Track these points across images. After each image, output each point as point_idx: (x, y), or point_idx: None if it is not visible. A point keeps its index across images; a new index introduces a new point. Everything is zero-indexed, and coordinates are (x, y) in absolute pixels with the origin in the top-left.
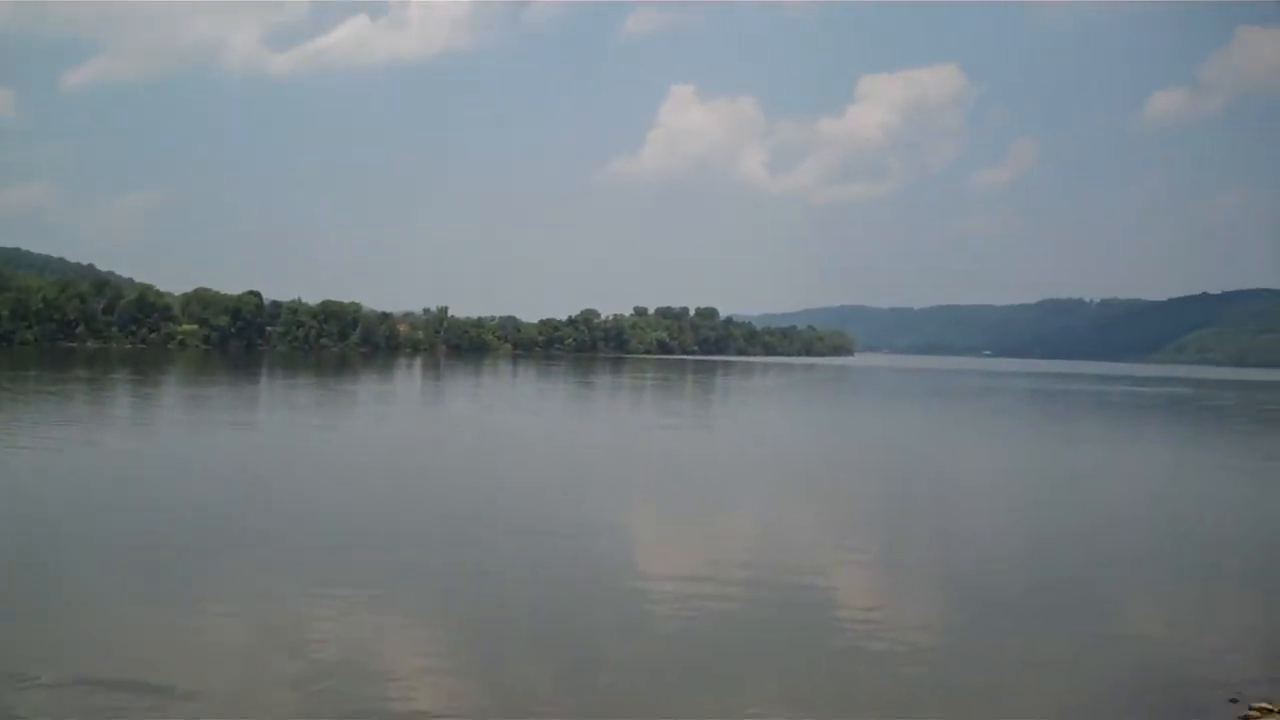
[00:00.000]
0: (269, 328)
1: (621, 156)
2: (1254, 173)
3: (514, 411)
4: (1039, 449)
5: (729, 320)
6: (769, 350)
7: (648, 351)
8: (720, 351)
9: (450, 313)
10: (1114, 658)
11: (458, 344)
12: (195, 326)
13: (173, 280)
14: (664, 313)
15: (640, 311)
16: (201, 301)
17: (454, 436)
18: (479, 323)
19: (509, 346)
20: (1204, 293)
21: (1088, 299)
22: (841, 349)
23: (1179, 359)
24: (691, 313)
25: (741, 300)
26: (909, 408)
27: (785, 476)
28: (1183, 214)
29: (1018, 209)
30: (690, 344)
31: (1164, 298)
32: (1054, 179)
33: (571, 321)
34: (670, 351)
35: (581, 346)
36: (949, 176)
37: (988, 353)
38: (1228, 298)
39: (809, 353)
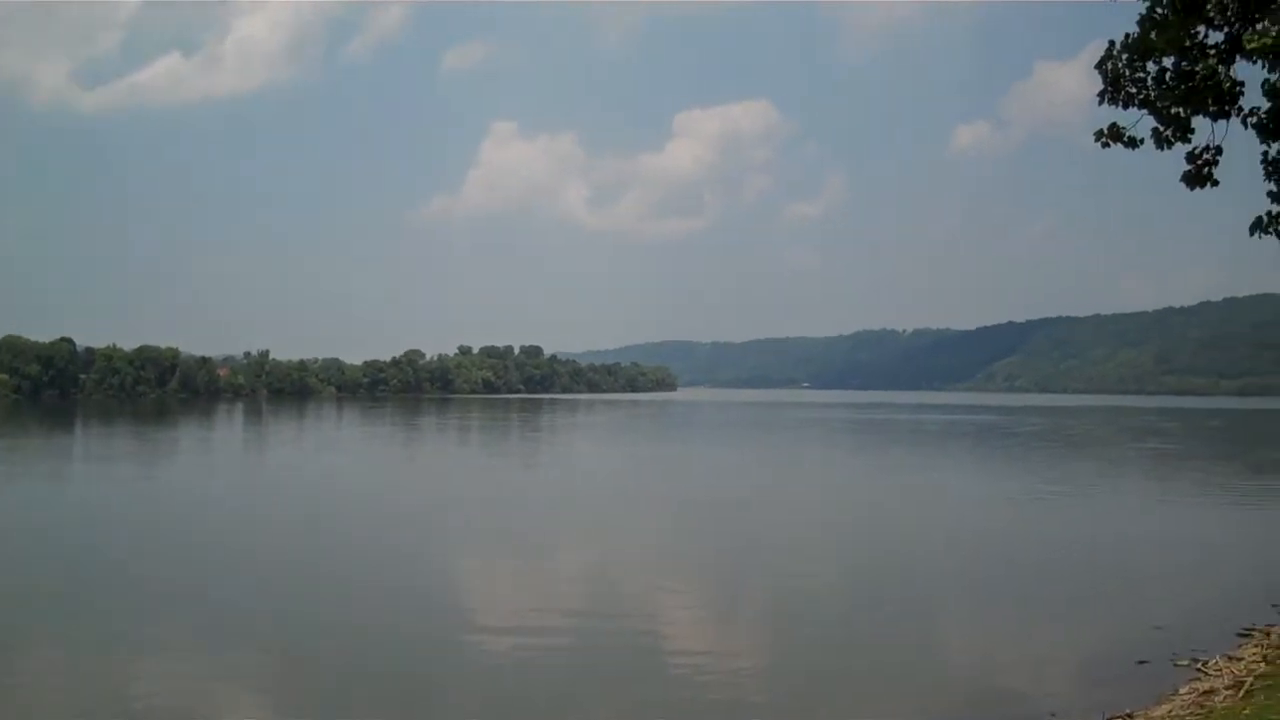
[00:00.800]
0: (83, 375)
1: (443, 194)
2: (1054, 204)
3: (335, 456)
4: (857, 478)
5: (554, 358)
6: (593, 388)
7: (473, 391)
8: (546, 390)
9: (272, 356)
10: (936, 683)
11: (280, 388)
12: (4, 376)
13: None
14: (489, 352)
15: (465, 351)
16: (11, 349)
17: (275, 486)
18: (301, 366)
19: (333, 389)
20: (1010, 322)
21: (900, 329)
22: (665, 384)
23: (988, 387)
24: (516, 351)
25: (566, 338)
26: (731, 440)
27: (612, 512)
28: (988, 245)
29: (829, 241)
30: (516, 383)
31: (973, 327)
32: (864, 211)
33: (395, 363)
34: (496, 391)
35: (406, 388)
36: (763, 210)
37: (806, 384)
38: (1032, 327)
39: (633, 389)
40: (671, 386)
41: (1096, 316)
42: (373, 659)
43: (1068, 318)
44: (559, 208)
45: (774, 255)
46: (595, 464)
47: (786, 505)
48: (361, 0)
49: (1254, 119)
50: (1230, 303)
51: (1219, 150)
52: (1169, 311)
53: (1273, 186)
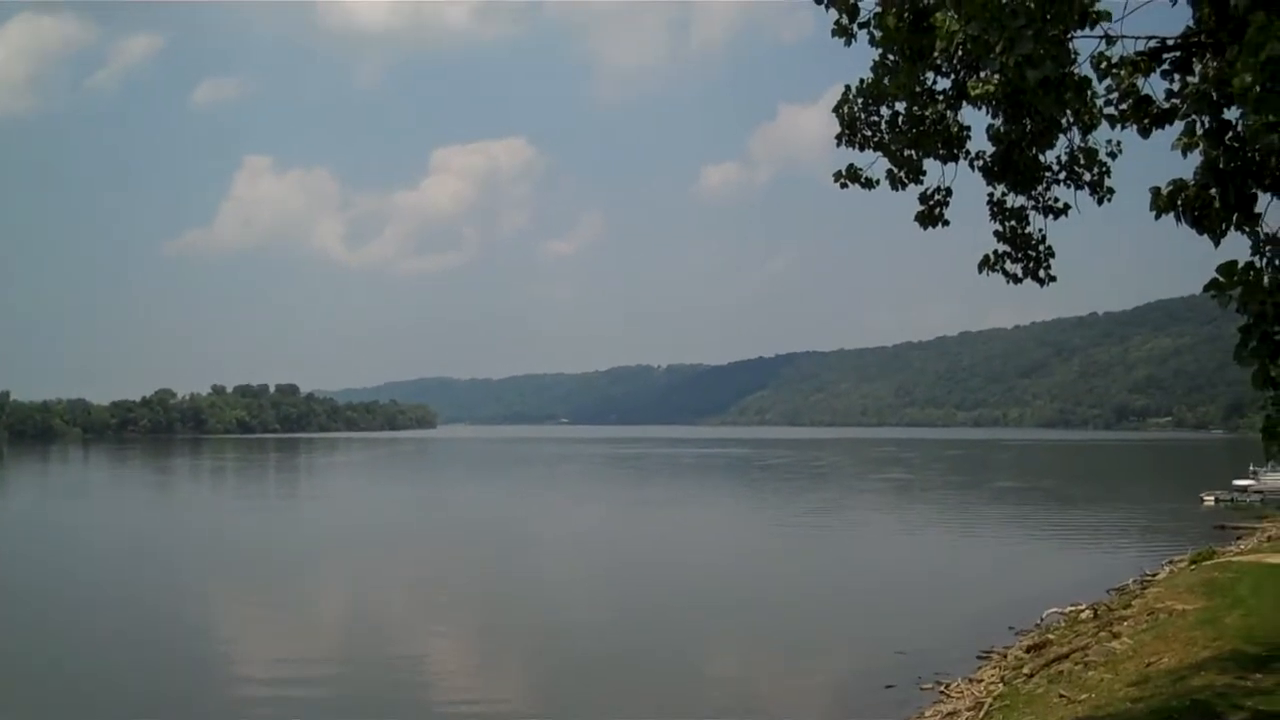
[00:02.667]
0: None
1: (193, 228)
2: (800, 240)
3: (79, 504)
4: (613, 513)
5: (310, 397)
6: (352, 426)
7: (227, 431)
8: (303, 429)
9: (12, 396)
10: (689, 712)
11: (21, 430)
12: None
13: None
14: (243, 391)
15: (218, 390)
16: None
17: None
18: (44, 407)
19: (79, 431)
20: (760, 357)
21: (655, 365)
22: (424, 422)
23: (741, 420)
24: (272, 390)
25: (323, 376)
26: (489, 477)
27: (372, 551)
28: (738, 281)
29: (585, 278)
30: (271, 422)
31: (725, 362)
32: (619, 248)
33: (145, 402)
34: (251, 431)
35: (157, 428)
36: (521, 246)
37: (564, 420)
38: (781, 361)
39: (392, 427)
40: (431, 424)
41: (841, 351)
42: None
43: (814, 352)
44: (315, 244)
45: (531, 291)
46: (348, 507)
47: (546, 542)
48: (107, 31)
49: (980, 162)
50: (964, 337)
51: (949, 191)
52: (909, 346)
53: (997, 226)
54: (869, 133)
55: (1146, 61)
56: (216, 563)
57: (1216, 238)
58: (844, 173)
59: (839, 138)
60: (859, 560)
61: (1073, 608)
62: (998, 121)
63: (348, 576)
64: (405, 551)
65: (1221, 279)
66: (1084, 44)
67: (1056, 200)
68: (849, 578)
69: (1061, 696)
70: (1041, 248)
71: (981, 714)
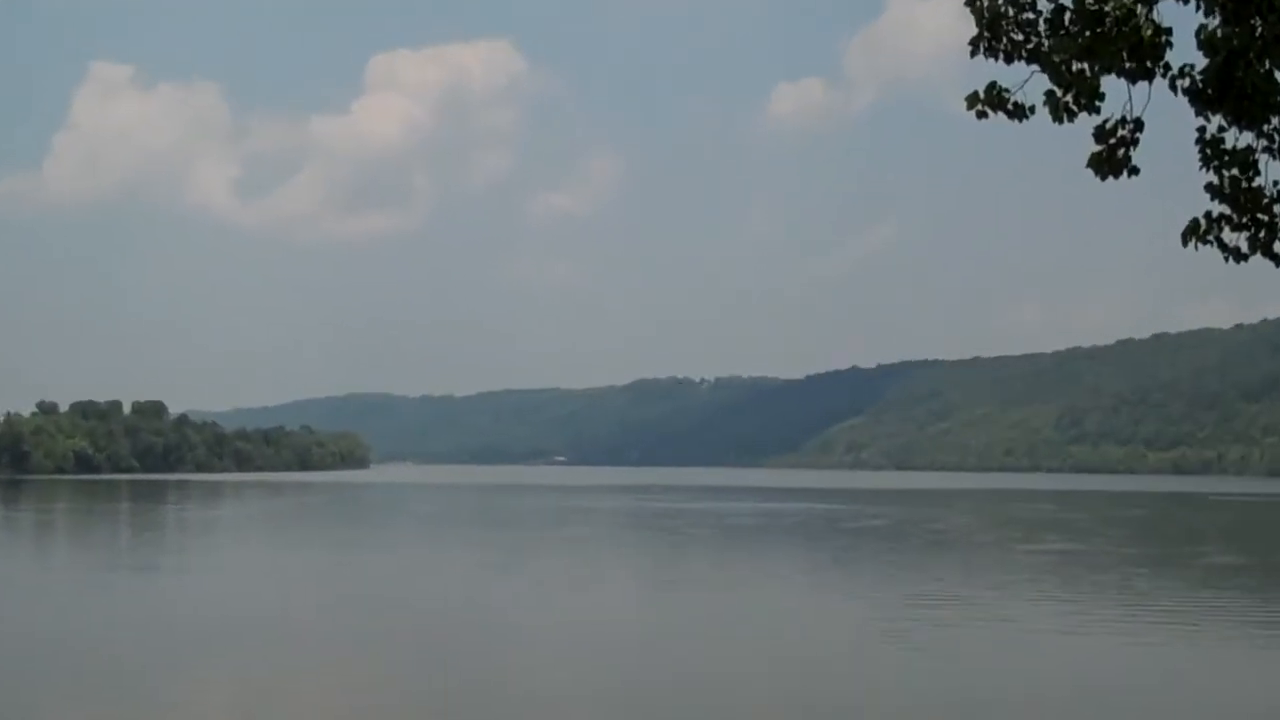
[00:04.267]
0: None
1: (11, 173)
2: (910, 197)
3: None
4: (636, 599)
5: (183, 421)
6: (245, 463)
7: (60, 470)
8: (171, 466)
9: None
10: None
11: None
12: None
13: None
14: (85, 411)
15: (48, 409)
16: None
17: None
18: None
19: None
20: (854, 368)
21: (698, 379)
22: (353, 459)
23: (823, 461)
24: (127, 410)
25: (203, 391)
26: (445, 544)
27: (248, 661)
28: (820, 257)
29: (597, 249)
30: (125, 457)
31: (800, 375)
32: (645, 207)
33: None
34: (95, 468)
35: None
36: (502, 201)
37: (561, 459)
38: (886, 376)
39: (305, 465)
40: (362, 461)
41: (975, 361)
42: None
43: (934, 363)
44: (193, 194)
45: (516, 270)
46: (220, 589)
47: (531, 646)
48: None
49: (1185, 81)
50: (1160, 342)
51: (1139, 124)
52: (1076, 355)
53: (1211, 177)
54: (1020, 36)
55: None
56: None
57: None
58: (982, 96)
59: (975, 43)
60: (1000, 675)
61: None
62: (1213, 21)
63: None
64: (303, 660)
65: None
66: None
67: None
68: (986, 703)
69: None
70: (1277, 208)
71: None
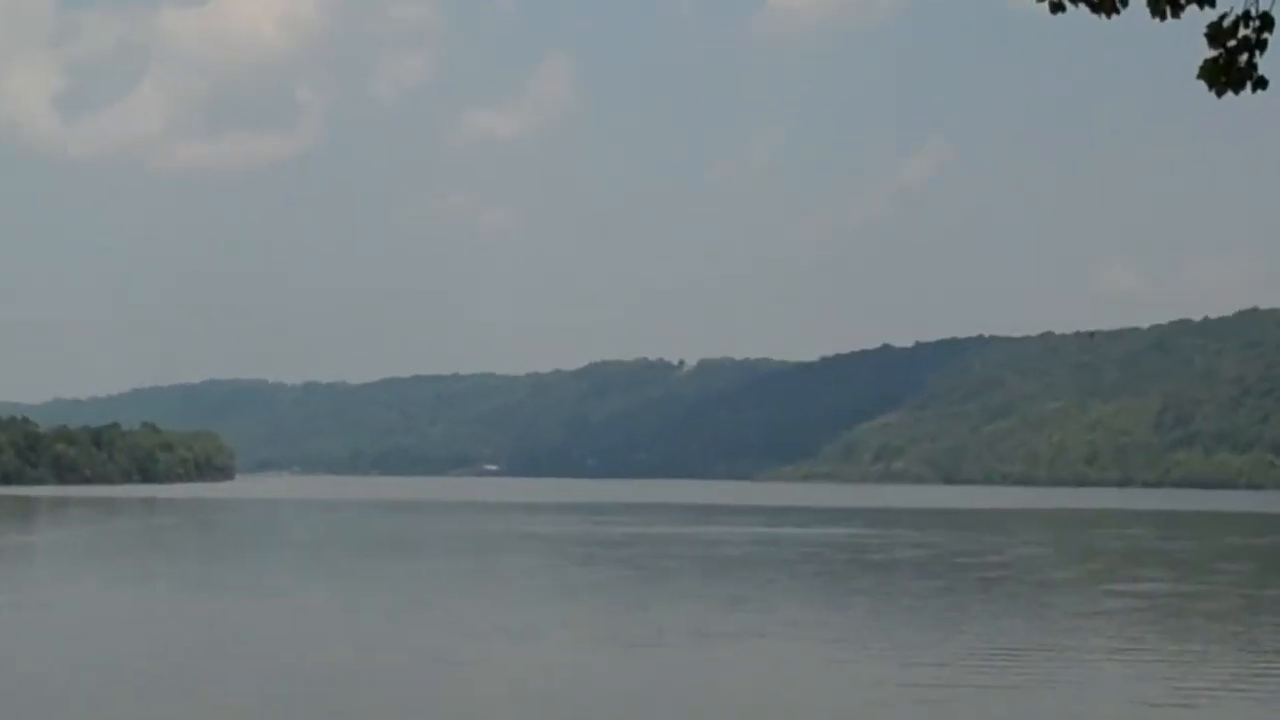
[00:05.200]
0: None
1: None
2: (958, 120)
3: None
4: (592, 659)
5: None
6: (67, 472)
7: None
8: None
9: None
10: None
11: None
12: None
13: None
14: None
15: None
16: None
17: None
18: None
19: None
20: (885, 346)
21: (677, 361)
22: (213, 466)
23: (845, 471)
24: None
25: (10, 377)
26: (335, 579)
27: None
28: (840, 198)
29: (539, 186)
30: None
31: (813, 358)
32: (608, 129)
33: None
34: None
35: None
36: (415, 120)
37: (493, 468)
38: (926, 356)
39: (147, 475)
40: (225, 471)
41: (1045, 338)
42: None
43: (993, 340)
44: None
45: (433, 213)
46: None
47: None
48: None
49: None
50: None
51: (1267, 21)
52: (1182, 330)
53: None
54: None
55: None
56: None
57: None
58: None
59: None
60: None
61: None
62: None
63: None
64: None
65: None
66: None
67: None
68: None
69: None
70: None
71: None
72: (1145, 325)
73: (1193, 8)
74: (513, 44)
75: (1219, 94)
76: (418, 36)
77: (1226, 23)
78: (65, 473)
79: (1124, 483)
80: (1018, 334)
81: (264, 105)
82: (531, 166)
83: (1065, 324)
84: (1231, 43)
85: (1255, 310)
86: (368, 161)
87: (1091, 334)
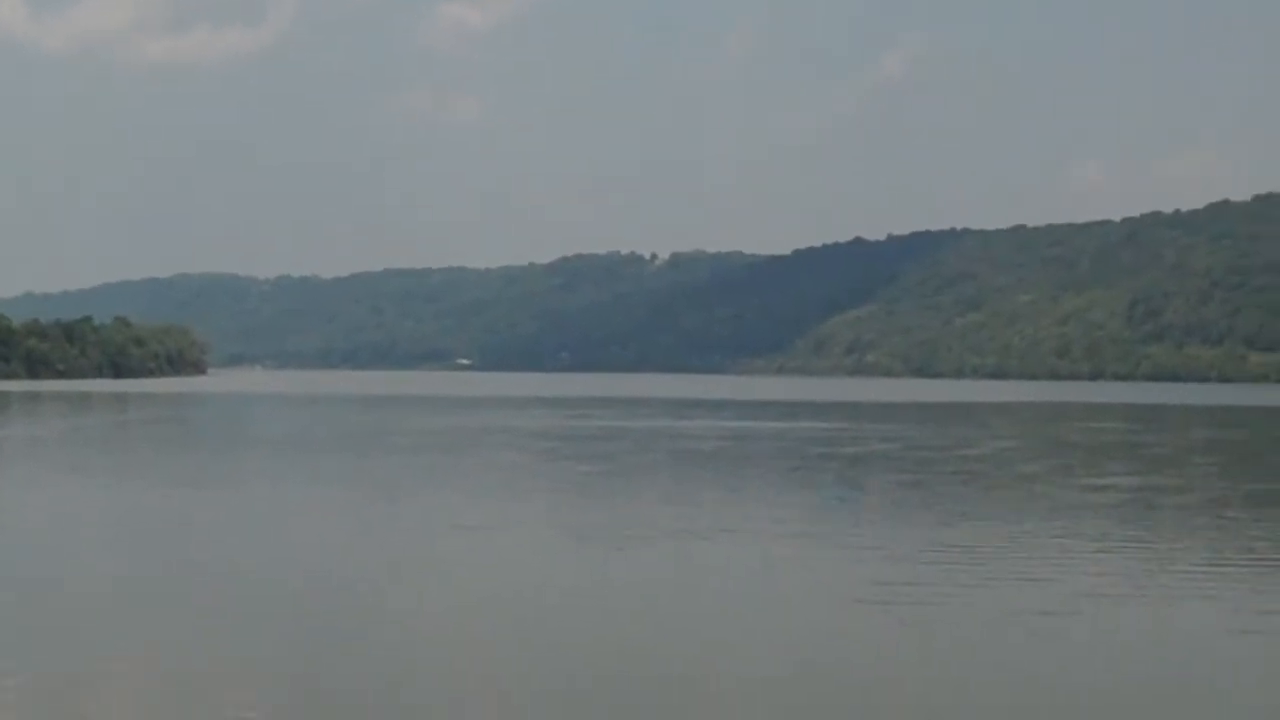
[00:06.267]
0: None
1: None
2: (933, 11)
3: None
4: (558, 550)
5: None
6: (38, 366)
7: None
8: None
9: None
10: None
11: None
12: None
13: None
14: None
15: None
16: None
17: None
18: None
19: None
20: (858, 239)
21: (648, 255)
22: (185, 361)
23: (818, 364)
24: None
25: None
26: (303, 476)
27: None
28: (811, 95)
29: (510, 78)
30: None
31: (786, 251)
32: (579, 20)
33: None
34: None
35: None
36: (380, 10)
37: (466, 361)
38: (899, 249)
39: (119, 370)
40: (198, 365)
41: (1017, 231)
42: None
43: (965, 233)
44: None
45: (403, 104)
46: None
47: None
48: None
49: None
50: (1266, 205)
51: None
52: (1153, 222)
53: None
54: None
55: None
56: None
57: None
58: None
59: None
60: (1039, 657)
61: None
62: None
63: None
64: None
65: None
66: None
67: None
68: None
69: None
70: None
71: None
72: (1117, 218)
73: None
74: None
75: None
76: None
77: None
78: (37, 367)
79: (1095, 376)
80: (990, 228)
81: None
82: (502, 58)
83: (1038, 217)
84: None
85: (1226, 203)
86: (337, 54)
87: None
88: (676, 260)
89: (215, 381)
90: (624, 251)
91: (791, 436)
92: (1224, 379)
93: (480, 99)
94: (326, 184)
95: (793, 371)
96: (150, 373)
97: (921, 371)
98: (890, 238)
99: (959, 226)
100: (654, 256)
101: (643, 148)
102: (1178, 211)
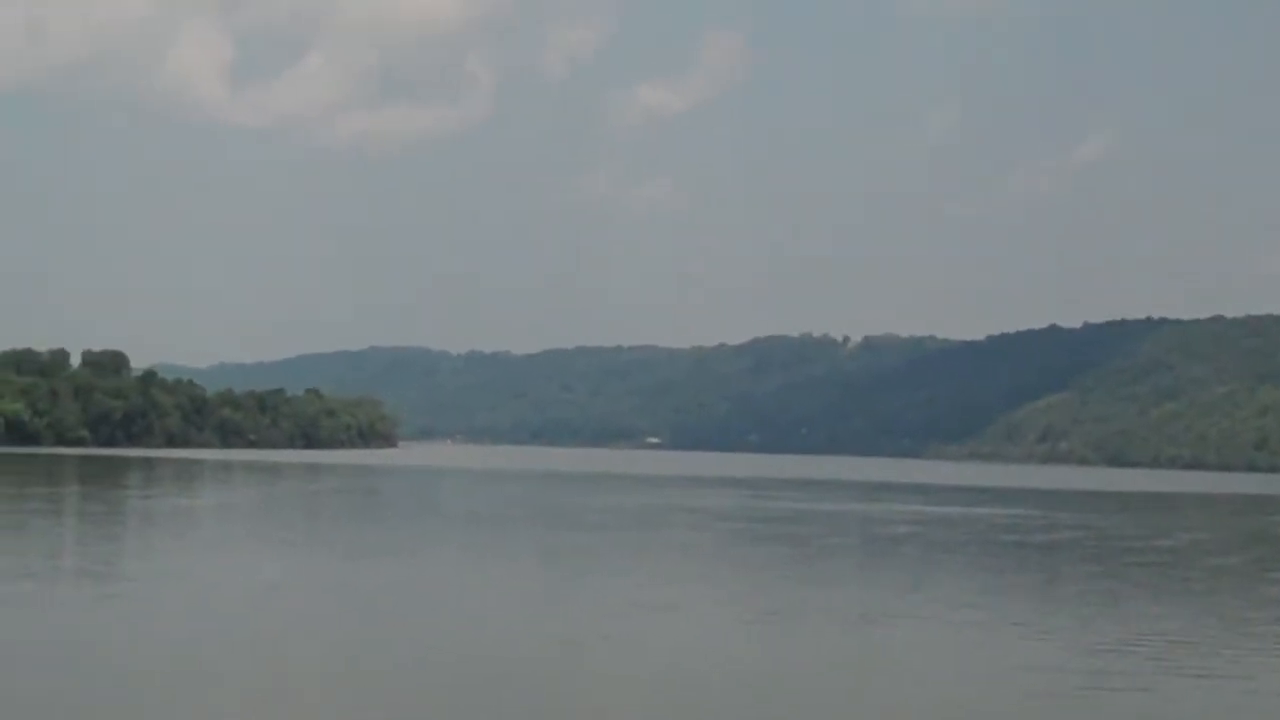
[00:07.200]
0: None
1: None
2: (1138, 92)
3: None
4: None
5: (150, 378)
6: (232, 436)
7: None
8: (135, 438)
9: None
10: None
11: None
12: None
13: None
14: (19, 362)
15: None
16: None
17: None
18: None
19: None
20: (1053, 326)
21: (840, 338)
22: (376, 433)
23: (1009, 451)
24: (76, 362)
25: (177, 341)
26: (508, 562)
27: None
28: (1007, 175)
29: (705, 163)
30: (73, 425)
31: (980, 336)
32: (774, 105)
33: None
34: (34, 438)
35: None
36: (582, 94)
37: (654, 440)
38: (1094, 338)
39: (310, 440)
40: (388, 438)
41: (1219, 321)
42: None
43: (1163, 322)
44: (167, 80)
45: (598, 185)
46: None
47: None
48: None
49: None
50: None
51: None
52: None
53: None
54: None
55: None
56: None
57: None
58: None
59: None
60: None
61: None
62: None
63: None
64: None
65: None
66: None
67: None
68: None
69: None
70: None
71: None
72: None
73: None
74: (678, 15)
75: None
76: (587, 7)
77: None
78: (230, 436)
79: None
80: (1189, 317)
81: (432, 76)
82: (696, 138)
83: (1236, 308)
84: None
85: None
86: (534, 133)
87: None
88: (869, 343)
89: (405, 454)
90: (816, 334)
91: (982, 523)
92: None
93: (673, 179)
94: (518, 260)
95: (985, 457)
96: (341, 444)
97: (1116, 461)
98: (1085, 325)
99: (1155, 315)
100: (846, 339)
101: (835, 229)
102: None
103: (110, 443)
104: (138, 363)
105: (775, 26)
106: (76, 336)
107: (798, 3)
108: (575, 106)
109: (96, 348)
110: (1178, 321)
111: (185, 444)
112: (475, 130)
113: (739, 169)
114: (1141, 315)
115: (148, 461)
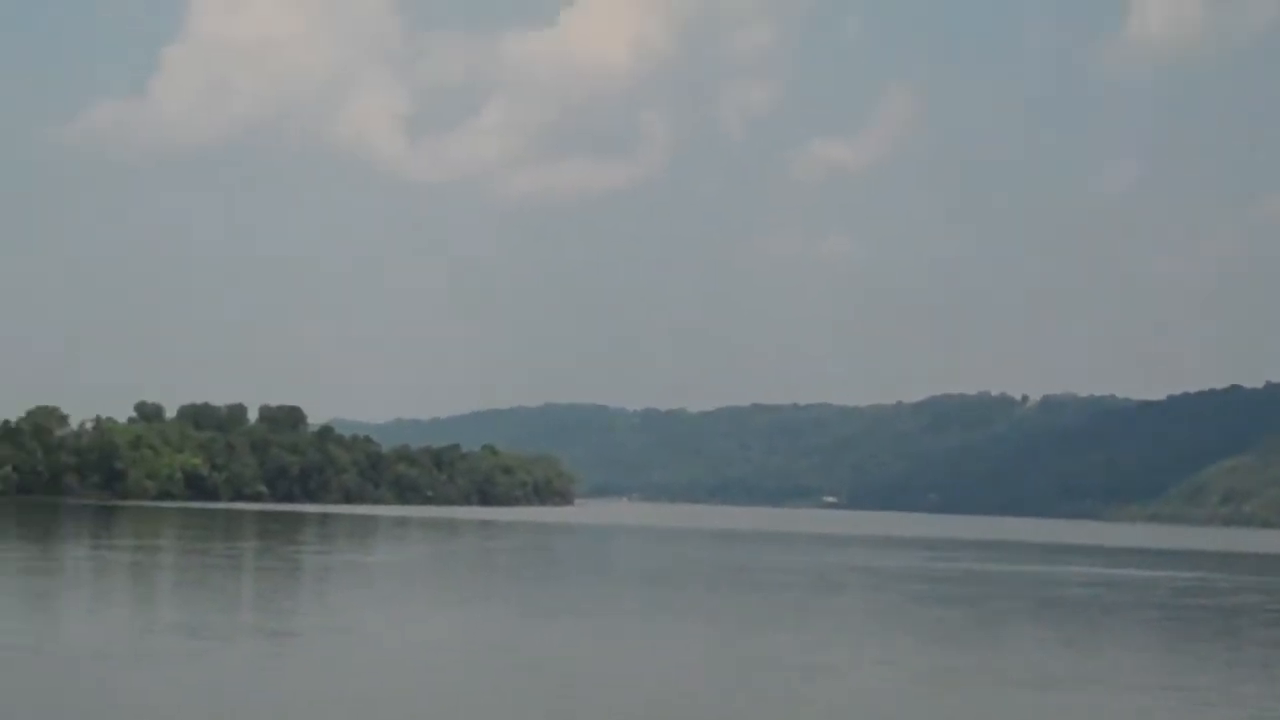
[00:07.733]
0: None
1: (107, 100)
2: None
3: None
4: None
5: (327, 433)
6: (407, 492)
7: (166, 493)
8: (311, 493)
9: None
10: None
11: None
12: None
13: None
14: (198, 417)
15: (150, 414)
16: None
17: None
18: None
19: None
20: (1234, 386)
21: (1019, 396)
22: (551, 490)
23: (1191, 513)
24: (253, 417)
25: (353, 396)
26: (689, 624)
27: None
28: (1193, 233)
29: (881, 216)
30: (250, 480)
31: (1160, 396)
32: (950, 158)
33: (9, 433)
34: (211, 493)
35: (34, 483)
36: (762, 149)
37: (831, 499)
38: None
39: (486, 497)
40: (565, 496)
41: None
42: None
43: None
44: (346, 134)
45: (774, 241)
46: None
47: None
48: None
49: None
50: None
51: None
52: None
53: None
54: None
55: None
56: None
57: None
58: None
59: None
60: None
61: None
62: None
63: None
64: None
65: None
66: None
67: None
68: None
69: None
70: None
71: None
72: None
73: None
74: (857, 73)
75: None
76: (763, 62)
77: None
78: (406, 492)
79: None
80: None
81: (607, 132)
82: (872, 193)
83: None
84: None
85: None
86: (709, 189)
87: None
88: (1048, 403)
89: (582, 512)
90: (994, 392)
91: (1164, 586)
92: None
93: (850, 236)
94: (698, 317)
95: (1166, 519)
96: (517, 501)
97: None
98: (1268, 384)
99: None
100: (1025, 398)
101: (1014, 287)
102: None
103: (287, 498)
104: (314, 418)
105: (954, 84)
106: (252, 392)
107: (980, 61)
108: (752, 162)
109: (273, 403)
110: None
111: (361, 500)
112: (651, 186)
113: (917, 224)
114: None
115: (324, 517)
